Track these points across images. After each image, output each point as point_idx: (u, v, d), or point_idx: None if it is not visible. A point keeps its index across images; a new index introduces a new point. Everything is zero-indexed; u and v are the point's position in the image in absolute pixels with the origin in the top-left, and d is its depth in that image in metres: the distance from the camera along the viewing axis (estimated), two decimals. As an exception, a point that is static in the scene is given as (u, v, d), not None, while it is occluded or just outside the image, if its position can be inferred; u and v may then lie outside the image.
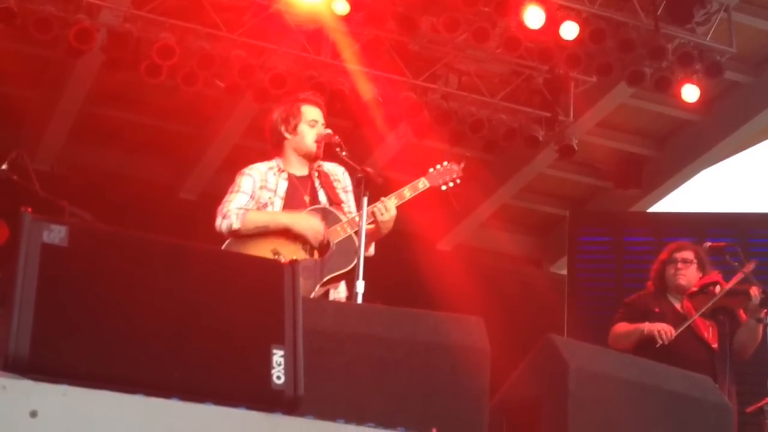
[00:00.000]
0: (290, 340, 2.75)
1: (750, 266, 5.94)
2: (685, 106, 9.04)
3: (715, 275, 6.07)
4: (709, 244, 6.14)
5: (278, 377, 2.68)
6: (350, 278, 4.91)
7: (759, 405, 5.99)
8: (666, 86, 8.64)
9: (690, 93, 8.68)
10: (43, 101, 9.47)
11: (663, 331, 5.75)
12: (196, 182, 10.36)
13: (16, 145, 6.98)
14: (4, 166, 5.83)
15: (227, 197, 5.03)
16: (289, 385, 2.68)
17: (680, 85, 8.66)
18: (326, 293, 4.88)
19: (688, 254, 6.16)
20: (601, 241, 9.92)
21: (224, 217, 4.93)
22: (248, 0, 8.05)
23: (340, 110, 8.25)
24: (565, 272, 10.62)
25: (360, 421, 2.83)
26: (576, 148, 9.29)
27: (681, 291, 6.09)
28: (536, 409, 4.11)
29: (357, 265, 4.78)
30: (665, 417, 4.27)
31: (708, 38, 8.51)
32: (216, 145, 9.99)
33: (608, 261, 9.69)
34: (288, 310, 2.80)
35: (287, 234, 4.88)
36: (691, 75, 8.62)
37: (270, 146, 5.24)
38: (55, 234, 2.55)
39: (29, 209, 2.58)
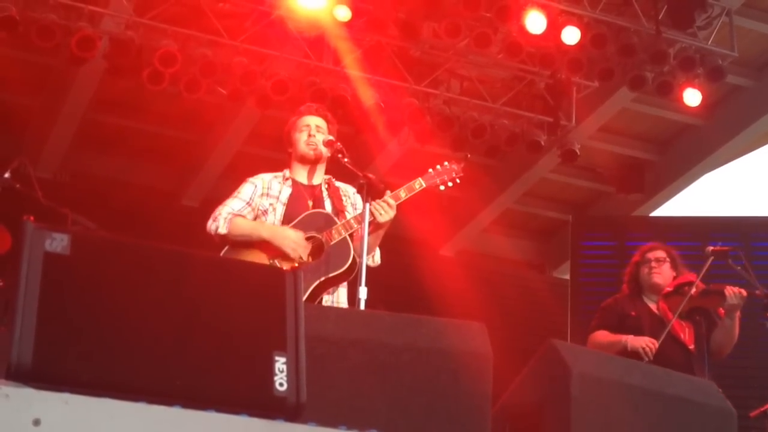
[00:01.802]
0: (292, 346, 2.75)
1: (709, 249, 5.95)
2: (687, 110, 9.03)
3: (689, 275, 6.06)
4: (711, 248, 6.13)
5: (280, 384, 2.67)
6: (351, 284, 4.92)
7: (762, 409, 5.99)
8: (668, 91, 8.65)
9: (692, 97, 8.68)
10: (45, 109, 9.48)
11: (647, 347, 5.71)
12: (199, 189, 10.37)
13: (18, 152, 7.01)
14: (6, 174, 5.84)
15: (225, 201, 5.14)
16: (292, 392, 2.68)
17: (682, 89, 8.66)
18: (320, 299, 4.89)
19: (661, 253, 6.16)
20: (604, 246, 9.92)
21: (214, 219, 5.04)
22: (250, 7, 8.07)
23: (342, 116, 8.24)
24: (567, 277, 10.63)
25: (363, 427, 2.83)
26: (578, 153, 9.30)
27: (656, 290, 6.07)
28: (539, 415, 4.11)
29: (354, 269, 4.80)
30: (668, 422, 4.27)
31: (709, 42, 8.51)
32: (218, 151, 10.00)
33: (611, 266, 9.64)
34: (290, 317, 2.80)
35: (273, 247, 4.91)
36: (693, 79, 8.62)
37: (285, 158, 5.37)
38: (58, 242, 2.55)
39: (31, 217, 2.58)
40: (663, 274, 6.09)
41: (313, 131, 5.21)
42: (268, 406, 2.64)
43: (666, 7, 8.33)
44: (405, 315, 4.08)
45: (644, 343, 5.73)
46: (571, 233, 10.14)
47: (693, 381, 4.61)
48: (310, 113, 5.34)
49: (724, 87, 9.54)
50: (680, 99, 8.74)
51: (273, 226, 4.97)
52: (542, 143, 9.07)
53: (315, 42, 8.37)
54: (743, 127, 10.06)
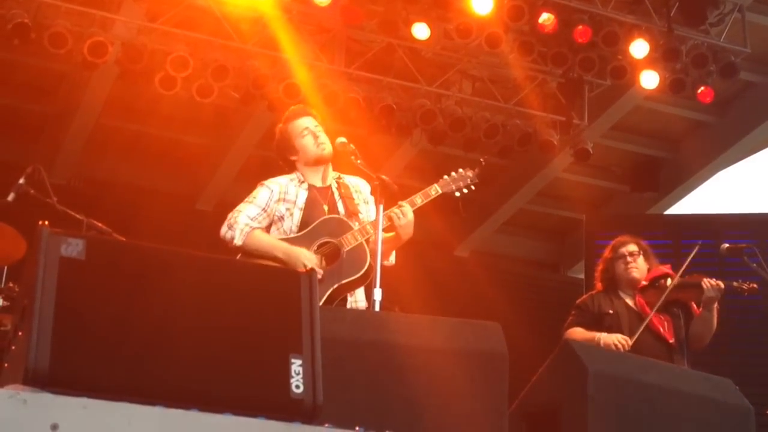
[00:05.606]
0: (308, 349, 2.76)
1: (724, 247, 5.94)
2: (700, 107, 9.00)
3: (663, 267, 6.03)
4: (727, 245, 6.11)
5: (297, 386, 2.68)
6: (368, 286, 4.91)
7: (780, 406, 5.96)
8: (680, 88, 8.62)
9: (704, 94, 8.66)
10: (58, 115, 9.52)
11: (619, 344, 5.68)
12: (212, 193, 10.39)
13: (32, 159, 7.01)
14: (21, 181, 5.86)
15: (240, 206, 5.07)
16: (308, 394, 2.69)
17: (695, 86, 8.63)
18: (342, 300, 4.88)
19: (633, 247, 6.10)
20: (618, 245, 9.87)
21: (230, 227, 4.99)
22: (261, 10, 8.07)
23: (355, 118, 8.25)
24: (582, 276, 10.59)
25: (379, 429, 2.84)
26: (591, 152, 9.26)
27: (634, 285, 6.02)
28: (556, 414, 4.10)
29: (370, 275, 4.79)
30: (685, 420, 4.26)
31: (722, 39, 8.48)
32: (231, 155, 10.02)
33: (626, 264, 9.63)
34: (305, 320, 2.80)
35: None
36: (706, 76, 8.59)
37: (285, 166, 5.30)
38: (73, 247, 2.56)
39: (46, 223, 2.59)
40: (639, 268, 6.05)
41: (317, 131, 5.19)
42: (284, 408, 2.64)
43: (678, 4, 8.31)
44: (420, 315, 4.08)
45: (616, 339, 5.69)
46: (584, 232, 10.10)
47: (710, 378, 4.59)
48: (301, 115, 5.29)
49: (737, 84, 9.51)
50: (693, 96, 8.71)
51: (288, 248, 4.89)
52: (555, 143, 9.04)
53: (327, 44, 8.38)
54: (757, 124, 10.02)
